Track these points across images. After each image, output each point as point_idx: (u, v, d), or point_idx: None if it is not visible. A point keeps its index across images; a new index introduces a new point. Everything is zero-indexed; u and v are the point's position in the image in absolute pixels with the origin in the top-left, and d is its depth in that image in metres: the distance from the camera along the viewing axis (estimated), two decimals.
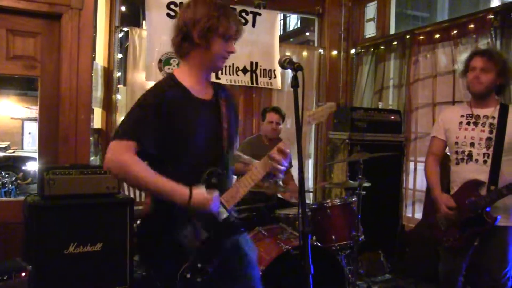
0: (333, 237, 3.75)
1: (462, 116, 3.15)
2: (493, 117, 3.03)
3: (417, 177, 5.41)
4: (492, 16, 4.26)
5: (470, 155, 3.05)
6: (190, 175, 2.00)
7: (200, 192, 1.94)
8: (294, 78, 1.92)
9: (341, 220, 3.83)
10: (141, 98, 2.04)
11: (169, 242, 1.99)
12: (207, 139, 2.08)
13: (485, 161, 2.99)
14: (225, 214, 2.03)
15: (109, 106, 5.10)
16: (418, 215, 5.30)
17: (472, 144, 3.05)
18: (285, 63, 2.00)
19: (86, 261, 3.52)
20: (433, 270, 3.39)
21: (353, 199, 3.94)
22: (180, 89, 2.08)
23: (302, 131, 1.98)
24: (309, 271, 1.73)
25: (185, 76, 2.13)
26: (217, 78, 5.55)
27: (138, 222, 2.16)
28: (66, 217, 3.51)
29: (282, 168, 2.06)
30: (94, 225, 3.58)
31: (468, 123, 3.11)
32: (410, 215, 5.49)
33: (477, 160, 3.02)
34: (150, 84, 5.36)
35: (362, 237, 3.86)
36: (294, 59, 2.22)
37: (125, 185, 5.00)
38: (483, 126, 3.04)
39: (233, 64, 5.62)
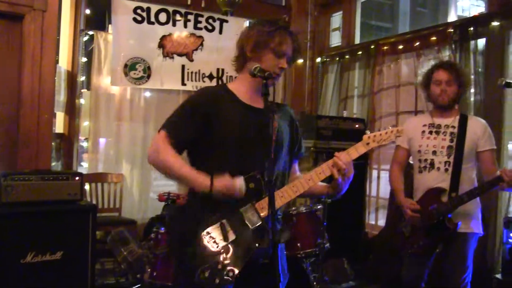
0: (298, 244, 3.74)
1: (424, 125, 3.23)
2: (453, 126, 3.12)
3: (380, 184, 5.49)
4: (452, 30, 4.39)
5: (432, 163, 3.12)
6: (230, 175, 2.00)
7: (222, 178, 1.95)
8: (265, 86, 1.92)
9: (307, 228, 3.84)
10: (189, 96, 2.24)
11: (195, 238, 1.98)
12: (251, 142, 2.07)
13: (446, 169, 3.07)
14: (258, 222, 1.99)
15: (71, 110, 5.00)
16: (381, 222, 5.38)
17: (434, 152, 3.13)
18: (255, 72, 1.98)
19: (45, 270, 3.41)
20: (396, 276, 3.43)
21: (319, 207, 3.96)
22: (228, 93, 2.17)
23: (273, 139, 1.98)
24: (278, 280, 1.72)
25: (236, 86, 2.20)
26: (183, 84, 5.52)
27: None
28: (25, 225, 3.39)
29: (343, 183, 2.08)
30: (54, 233, 3.47)
31: (430, 132, 3.18)
32: (373, 222, 5.57)
33: (439, 168, 3.09)
34: (115, 89, 5.37)
35: (327, 244, 3.88)
36: None
37: (87, 191, 4.92)
38: (444, 135, 3.13)
39: (199, 70, 5.59)
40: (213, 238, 1.98)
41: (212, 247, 1.96)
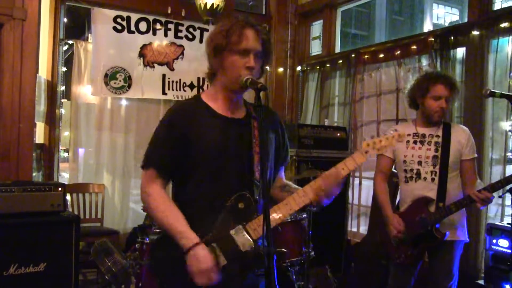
0: None
1: (408, 135, 3.22)
2: (438, 136, 3.14)
3: (361, 192, 5.52)
4: (433, 39, 4.46)
5: (418, 173, 3.13)
6: (214, 197, 1.89)
7: (203, 254, 1.79)
8: (258, 97, 1.81)
9: (292, 236, 3.83)
10: (162, 117, 2.03)
11: (183, 264, 1.81)
12: (233, 158, 1.92)
13: (433, 179, 3.09)
14: (250, 244, 1.84)
15: (52, 120, 4.93)
16: (363, 229, 5.42)
17: (419, 163, 3.14)
18: (247, 83, 1.85)
19: (28, 282, 3.35)
20: (378, 284, 3.45)
21: (304, 216, 3.97)
22: (202, 106, 1.99)
23: (256, 151, 1.92)
24: None
25: (210, 97, 2.02)
26: (164, 93, 5.50)
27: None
28: (7, 237, 3.33)
29: (326, 199, 1.90)
30: (37, 245, 3.42)
31: (415, 142, 3.19)
32: (355, 229, 5.60)
33: (425, 178, 3.11)
34: (95, 98, 5.31)
35: (312, 253, 3.89)
36: None
37: (68, 202, 4.85)
38: (429, 145, 3.14)
39: (180, 79, 5.58)
40: None
41: None
